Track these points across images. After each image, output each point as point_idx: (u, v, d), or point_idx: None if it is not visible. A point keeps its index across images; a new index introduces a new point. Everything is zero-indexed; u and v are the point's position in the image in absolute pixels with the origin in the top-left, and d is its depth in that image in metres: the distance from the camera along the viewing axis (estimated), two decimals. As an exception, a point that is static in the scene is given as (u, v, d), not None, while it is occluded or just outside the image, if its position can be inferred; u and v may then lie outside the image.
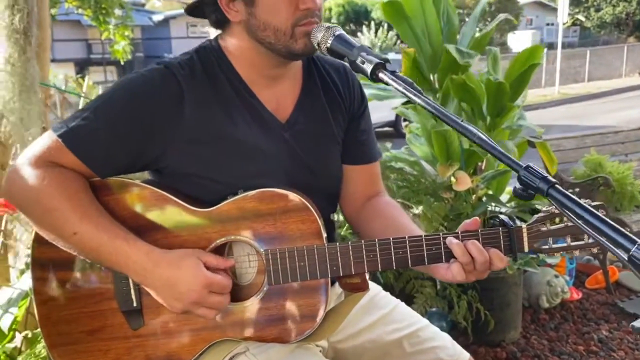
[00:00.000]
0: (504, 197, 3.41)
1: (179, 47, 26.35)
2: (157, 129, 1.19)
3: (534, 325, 3.07)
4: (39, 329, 1.32)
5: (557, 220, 1.21)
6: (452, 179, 2.82)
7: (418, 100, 0.98)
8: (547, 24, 37.67)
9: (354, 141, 1.45)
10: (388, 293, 1.58)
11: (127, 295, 1.21)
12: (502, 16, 3.12)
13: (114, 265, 1.15)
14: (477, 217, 1.20)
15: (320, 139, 1.38)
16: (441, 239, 1.18)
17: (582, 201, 0.78)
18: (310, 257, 1.18)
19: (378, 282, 2.11)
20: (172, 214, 1.21)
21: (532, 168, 0.90)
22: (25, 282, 1.83)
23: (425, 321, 1.53)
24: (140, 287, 1.20)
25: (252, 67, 1.29)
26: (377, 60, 1.07)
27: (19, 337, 1.87)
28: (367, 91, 3.34)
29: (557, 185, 0.82)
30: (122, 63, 8.44)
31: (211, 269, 1.15)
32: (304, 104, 1.36)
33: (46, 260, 1.23)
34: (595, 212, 0.74)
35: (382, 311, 1.49)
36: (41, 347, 1.80)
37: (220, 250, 1.23)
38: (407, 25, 3.11)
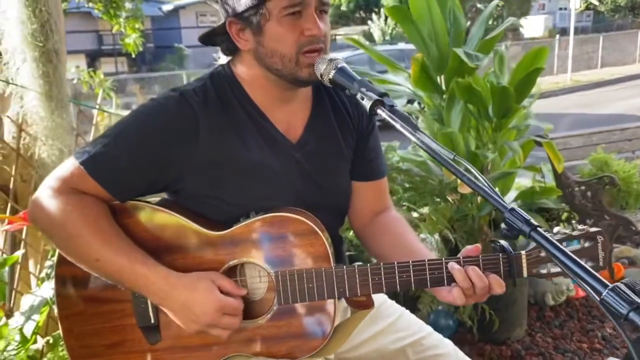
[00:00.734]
0: (512, 194, 3.46)
1: (189, 37, 26.38)
2: (173, 155, 1.26)
3: (539, 322, 3.13)
4: (59, 331, 1.39)
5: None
6: (458, 180, 2.87)
7: (413, 138, 1.04)
8: (560, 9, 37.17)
9: (362, 159, 1.50)
10: (394, 302, 1.63)
11: (145, 312, 1.29)
12: (510, 20, 3.14)
13: (134, 287, 1.23)
14: (479, 245, 1.25)
15: (330, 158, 1.43)
16: (443, 264, 1.24)
17: (562, 245, 0.84)
18: (318, 279, 1.25)
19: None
20: (187, 236, 1.28)
21: (516, 211, 0.96)
22: (46, 289, 1.92)
23: (429, 329, 1.58)
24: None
25: (264, 91, 1.34)
26: (376, 97, 1.12)
27: (40, 340, 1.97)
28: (375, 92, 3.40)
29: (538, 229, 0.87)
30: (133, 56, 8.52)
31: (224, 292, 1.22)
32: (314, 124, 1.42)
33: (68, 279, 1.32)
34: (573, 256, 0.79)
35: (387, 321, 1.55)
36: (63, 350, 1.89)
37: (233, 270, 1.30)
38: (414, 28, 3.14)
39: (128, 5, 7.59)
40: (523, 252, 1.23)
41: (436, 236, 2.91)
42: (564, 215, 3.80)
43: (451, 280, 1.23)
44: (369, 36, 25.66)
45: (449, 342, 1.58)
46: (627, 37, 24.18)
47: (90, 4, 7.44)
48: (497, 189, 3.20)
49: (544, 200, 3.38)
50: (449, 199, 2.91)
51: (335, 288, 1.25)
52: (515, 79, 3.02)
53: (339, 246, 1.50)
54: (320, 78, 1.24)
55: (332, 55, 1.24)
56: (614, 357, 2.82)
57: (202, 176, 1.29)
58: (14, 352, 1.79)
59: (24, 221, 1.86)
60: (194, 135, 1.26)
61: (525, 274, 1.23)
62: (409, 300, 2.73)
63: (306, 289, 1.25)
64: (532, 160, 3.61)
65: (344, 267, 1.26)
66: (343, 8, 29.86)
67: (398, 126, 1.07)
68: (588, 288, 0.73)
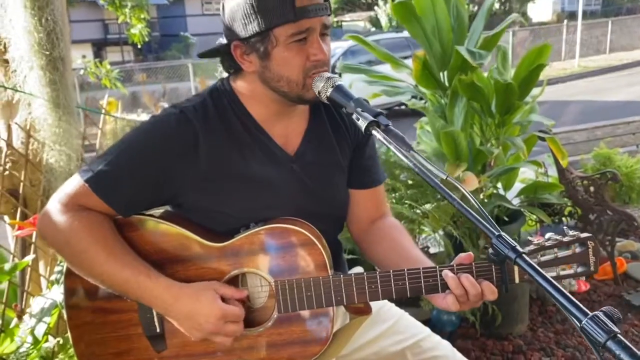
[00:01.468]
0: (515, 187, 3.48)
1: (194, 25, 26.33)
2: (174, 171, 1.30)
3: (541, 317, 3.17)
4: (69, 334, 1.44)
5: (547, 251, 1.29)
6: (461, 177, 2.89)
7: (405, 160, 1.07)
8: (569, -8, 36.67)
9: (359, 167, 1.54)
10: (393, 305, 1.67)
11: (151, 321, 1.34)
12: (513, 16, 3.14)
13: (139, 299, 1.28)
14: (471, 253, 1.28)
15: (327, 168, 1.47)
16: (438, 271, 1.28)
17: (544, 271, 0.88)
18: (317, 288, 1.29)
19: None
20: (190, 248, 1.32)
21: (503, 237, 0.99)
22: (56, 292, 1.98)
23: (427, 330, 1.63)
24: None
25: (263, 106, 1.37)
26: (371, 119, 1.15)
27: (52, 340, 2.03)
28: (377, 88, 3.42)
29: (524, 255, 0.91)
30: (139, 46, 8.55)
31: (226, 300, 1.27)
32: (311, 136, 1.45)
33: (77, 290, 1.37)
34: (556, 284, 0.83)
35: (386, 324, 1.59)
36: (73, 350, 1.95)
37: (235, 280, 1.34)
38: (418, 25, 3.14)
39: (133, -5, 7.59)
40: None
41: (440, 232, 2.95)
42: (567, 210, 3.83)
43: (445, 287, 1.27)
44: (375, 22, 25.50)
45: (447, 344, 1.62)
46: (637, 21, 23.81)
47: (96, -5, 7.44)
48: (500, 184, 3.19)
49: (547, 195, 3.40)
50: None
51: (333, 296, 1.29)
52: (518, 75, 3.03)
53: (337, 251, 1.55)
54: (318, 95, 1.27)
55: (329, 74, 1.27)
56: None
57: (203, 190, 1.33)
58: (27, 353, 1.85)
59: (33, 226, 1.91)
60: (194, 151, 1.30)
61: (517, 280, 1.26)
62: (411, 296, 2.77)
63: (305, 298, 1.29)
64: (538, 149, 3.61)
65: (341, 275, 1.30)
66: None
67: (392, 147, 1.10)
68: (570, 315, 0.77)
